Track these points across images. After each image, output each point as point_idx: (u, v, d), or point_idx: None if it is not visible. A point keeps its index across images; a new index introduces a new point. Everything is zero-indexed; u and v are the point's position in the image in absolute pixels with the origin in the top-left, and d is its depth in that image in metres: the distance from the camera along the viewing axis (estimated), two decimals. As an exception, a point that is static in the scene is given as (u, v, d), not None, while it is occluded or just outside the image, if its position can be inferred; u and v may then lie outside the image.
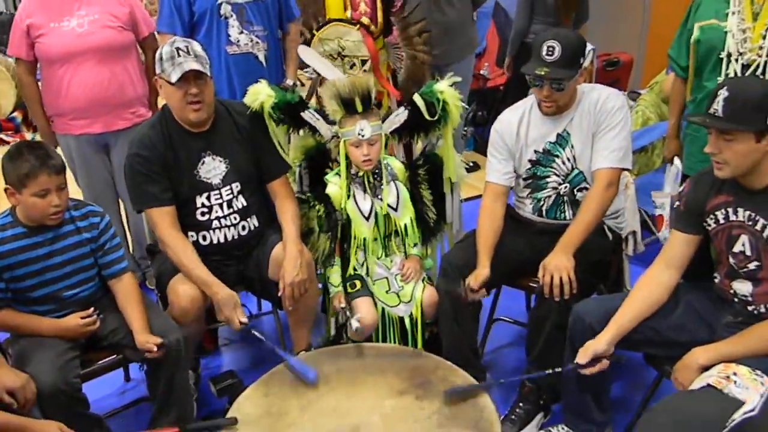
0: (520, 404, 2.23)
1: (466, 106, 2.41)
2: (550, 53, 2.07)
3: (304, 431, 1.60)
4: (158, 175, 2.16)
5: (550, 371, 1.84)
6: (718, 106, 1.66)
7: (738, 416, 0.59)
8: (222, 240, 2.28)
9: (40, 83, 2.87)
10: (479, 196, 2.41)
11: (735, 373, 1.56)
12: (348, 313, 2.23)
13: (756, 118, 1.63)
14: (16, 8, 6.32)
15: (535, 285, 2.16)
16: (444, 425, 1.60)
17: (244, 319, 2.06)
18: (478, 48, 4.86)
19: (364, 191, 2.33)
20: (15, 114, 5.48)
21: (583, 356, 1.82)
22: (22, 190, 1.87)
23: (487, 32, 5.06)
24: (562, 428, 2.17)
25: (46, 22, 2.66)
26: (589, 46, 4.35)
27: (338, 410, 1.68)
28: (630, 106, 3.83)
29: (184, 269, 2.13)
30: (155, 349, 1.94)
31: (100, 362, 2.06)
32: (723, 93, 1.66)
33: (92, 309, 2.03)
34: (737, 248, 1.79)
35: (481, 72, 4.94)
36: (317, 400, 1.72)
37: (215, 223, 2.26)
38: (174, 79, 2.06)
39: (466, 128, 4.77)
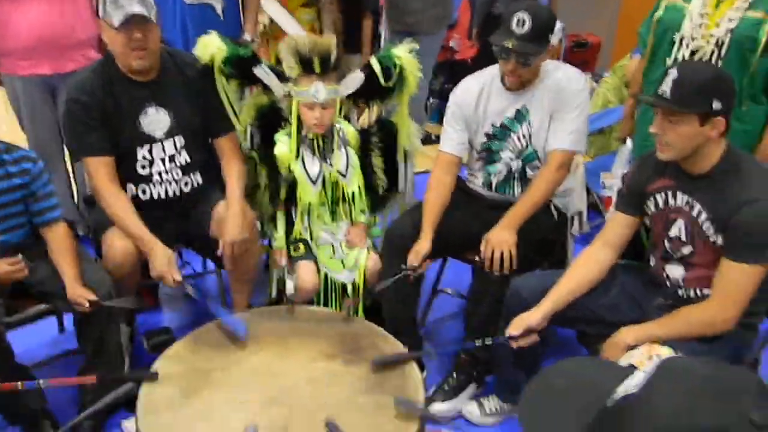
0: (454, 375, 2.25)
1: (421, 76, 2.36)
2: (520, 25, 2.02)
3: (226, 389, 1.58)
4: (97, 123, 2.08)
5: (481, 342, 1.85)
6: (666, 87, 1.66)
7: (620, 391, 0.58)
8: (162, 195, 2.22)
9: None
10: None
11: (657, 355, 1.59)
12: (287, 272, 2.21)
13: (701, 101, 1.63)
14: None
15: (477, 258, 2.16)
16: (369, 391, 1.59)
17: (178, 277, 2.02)
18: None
19: (314, 154, 2.29)
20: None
21: (515, 328, 1.82)
22: None
23: (459, 4, 5.00)
24: (493, 399, 2.20)
25: None
26: (558, 24, 4.34)
27: (264, 371, 1.66)
28: (592, 88, 3.85)
29: (119, 223, 2.07)
30: (87, 304, 1.89)
31: (30, 310, 2.00)
32: (672, 74, 1.66)
33: (20, 255, 1.96)
34: (673, 232, 1.80)
35: (450, 44, 4.89)
36: (245, 359, 1.70)
37: (156, 177, 2.20)
38: (116, 23, 1.98)
39: (431, 100, 4.73)
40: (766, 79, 2.15)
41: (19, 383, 1.69)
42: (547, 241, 2.29)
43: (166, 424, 1.50)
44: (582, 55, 4.81)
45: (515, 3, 2.14)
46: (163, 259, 2.02)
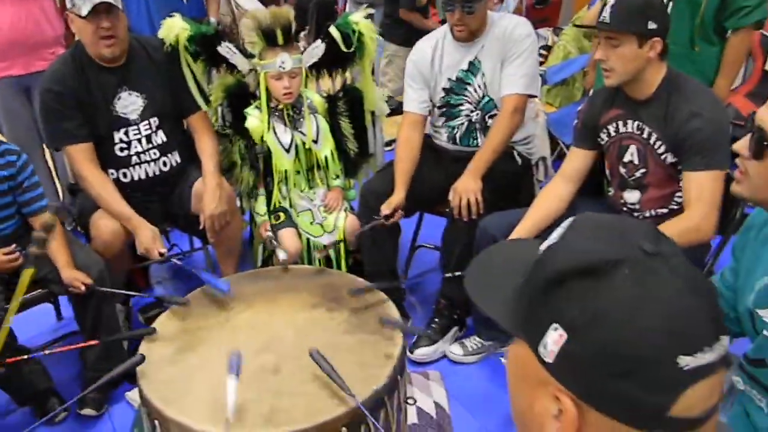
0: (436, 320, 2.37)
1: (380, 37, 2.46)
2: None
3: (218, 343, 1.68)
4: (72, 110, 2.17)
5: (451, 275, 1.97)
6: (606, 13, 1.77)
7: (543, 246, 0.69)
8: (143, 176, 2.31)
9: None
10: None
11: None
12: (274, 242, 2.31)
13: (637, 21, 1.74)
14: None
15: (447, 209, 2.27)
16: (350, 332, 1.70)
17: (163, 250, 2.12)
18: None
19: (284, 124, 2.39)
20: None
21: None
22: None
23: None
24: (474, 338, 2.32)
25: None
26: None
27: (253, 325, 1.76)
28: (554, 42, 3.95)
29: (104, 204, 2.17)
30: (82, 288, 1.99)
31: (26, 295, 2.09)
32: (610, 1, 1.77)
33: (14, 245, 2.05)
34: (627, 158, 1.92)
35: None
36: (234, 317, 1.80)
37: (135, 159, 2.29)
38: (84, 12, 2.06)
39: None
40: (715, 20, 2.25)
41: (26, 355, 1.79)
42: (513, 186, 2.41)
43: (166, 379, 1.60)
44: (543, 12, 4.88)
45: None
46: (147, 235, 2.12)
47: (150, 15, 2.86)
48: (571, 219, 0.68)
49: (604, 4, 1.80)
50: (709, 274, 1.92)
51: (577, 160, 2.04)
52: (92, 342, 1.88)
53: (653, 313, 0.58)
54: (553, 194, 2.03)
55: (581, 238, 0.65)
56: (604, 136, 1.96)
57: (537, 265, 0.66)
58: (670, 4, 2.21)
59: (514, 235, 1.95)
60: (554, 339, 0.61)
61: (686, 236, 1.72)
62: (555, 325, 0.61)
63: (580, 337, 0.60)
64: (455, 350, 2.30)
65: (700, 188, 1.74)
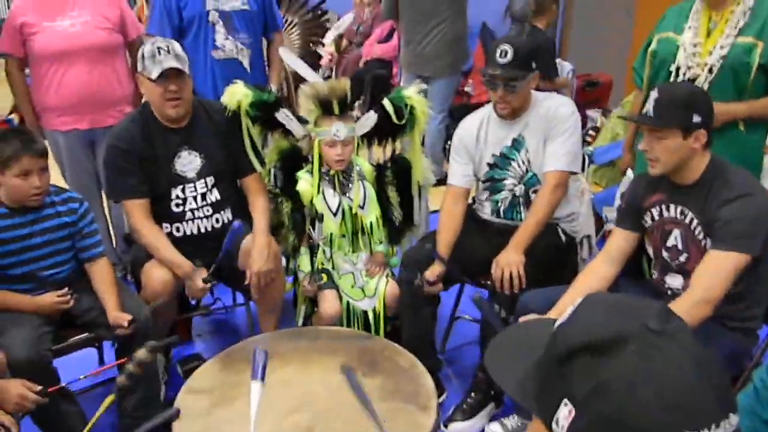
0: (472, 394, 2.34)
1: (431, 113, 2.55)
2: (502, 56, 2.21)
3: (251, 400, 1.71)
4: (135, 167, 2.29)
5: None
6: (649, 106, 1.80)
7: (556, 324, 0.72)
8: (195, 232, 2.40)
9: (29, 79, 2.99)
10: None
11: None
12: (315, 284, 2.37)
13: (681, 115, 1.76)
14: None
15: (489, 281, 2.28)
16: (384, 398, 1.70)
17: (206, 276, 2.21)
18: (465, 66, 5.05)
19: (334, 188, 2.47)
20: (12, 116, 5.63)
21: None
22: (6, 172, 2.00)
23: (474, 52, 5.25)
24: (514, 418, 2.28)
25: (39, 20, 2.78)
26: (568, 66, 4.54)
27: (288, 383, 1.79)
28: (602, 123, 4.00)
29: (155, 251, 2.26)
30: (126, 324, 2.05)
31: (73, 339, 2.17)
32: (654, 94, 1.80)
33: (67, 288, 2.14)
34: (670, 242, 1.91)
35: (466, 89, 5.11)
36: (271, 374, 1.82)
37: (189, 215, 2.38)
38: (154, 75, 2.20)
39: (448, 142, 4.92)
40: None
41: (64, 384, 1.89)
42: (556, 263, 2.40)
43: (200, 429, 1.63)
44: (594, 93, 4.97)
45: (500, 38, 2.34)
46: (195, 274, 2.21)
47: (215, 81, 3.02)
48: (582, 297, 0.71)
49: (648, 96, 1.83)
50: (756, 365, 1.86)
51: (620, 241, 2.03)
52: (121, 360, 1.95)
53: (657, 389, 0.60)
54: (595, 274, 2.02)
55: (591, 316, 0.67)
56: (647, 219, 1.97)
57: (550, 342, 0.69)
58: (707, 85, 2.22)
59: (551, 314, 1.93)
60: (564, 415, 0.63)
61: (693, 312, 1.67)
62: (565, 400, 0.63)
63: (586, 412, 0.61)
64: (495, 429, 2.26)
65: (710, 264, 1.73)
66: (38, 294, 2.12)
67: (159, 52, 2.22)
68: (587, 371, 0.63)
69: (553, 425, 0.64)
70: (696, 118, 1.75)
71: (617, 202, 2.99)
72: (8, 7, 5.64)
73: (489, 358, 0.77)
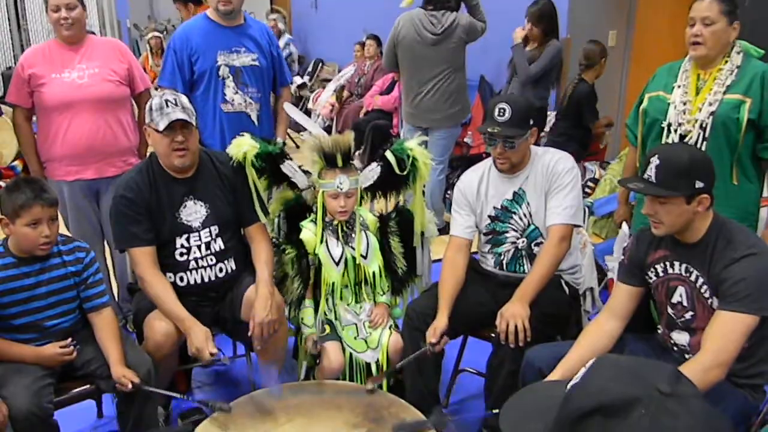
0: (477, 449, 2.31)
1: (433, 164, 2.59)
2: (501, 114, 2.27)
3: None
4: (142, 217, 2.30)
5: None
6: (651, 172, 1.82)
7: (569, 385, 0.73)
8: (199, 281, 2.40)
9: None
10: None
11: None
12: (318, 346, 2.34)
13: (684, 183, 1.78)
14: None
15: (493, 334, 2.27)
16: (391, 456, 1.68)
17: (214, 351, 2.15)
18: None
19: (337, 238, 2.48)
20: (15, 163, 5.68)
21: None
22: (16, 221, 2.01)
23: (473, 104, 5.34)
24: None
25: (47, 72, 2.83)
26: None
27: (293, 439, 1.76)
28: (600, 175, 4.05)
29: (160, 304, 2.25)
30: (129, 385, 2.03)
31: (74, 391, 2.15)
32: (655, 161, 1.82)
33: (70, 339, 2.13)
34: (675, 299, 1.92)
35: (465, 140, 5.18)
36: (274, 430, 1.80)
37: (192, 264, 2.38)
38: (162, 127, 2.24)
39: (448, 192, 4.96)
40: (752, 156, 2.32)
41: None
42: (560, 316, 2.40)
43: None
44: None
45: (497, 97, 2.39)
46: (200, 336, 2.17)
47: (223, 133, 3.05)
48: (594, 359, 0.73)
49: (648, 161, 1.85)
50: (763, 423, 1.85)
51: (624, 297, 2.03)
52: None
53: None
54: (600, 331, 2.01)
55: (602, 378, 0.69)
56: (651, 275, 1.98)
57: (563, 404, 0.70)
58: (705, 143, 2.27)
59: (557, 371, 1.91)
60: None
61: (705, 378, 1.66)
62: None
63: None
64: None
65: (720, 326, 1.73)
66: (41, 344, 2.11)
67: (167, 104, 2.26)
68: None
69: None
70: (698, 184, 1.77)
71: (617, 252, 3.00)
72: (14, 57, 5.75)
73: (504, 420, 0.78)
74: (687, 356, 1.91)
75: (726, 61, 2.30)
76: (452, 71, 4.12)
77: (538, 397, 0.80)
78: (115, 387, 2.06)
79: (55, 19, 2.82)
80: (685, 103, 2.32)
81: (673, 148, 2.07)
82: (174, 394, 2.12)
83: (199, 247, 2.39)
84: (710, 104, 2.27)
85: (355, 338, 2.46)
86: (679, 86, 2.37)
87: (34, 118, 3.01)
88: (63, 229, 3.07)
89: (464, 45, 4.11)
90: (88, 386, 2.17)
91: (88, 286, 2.19)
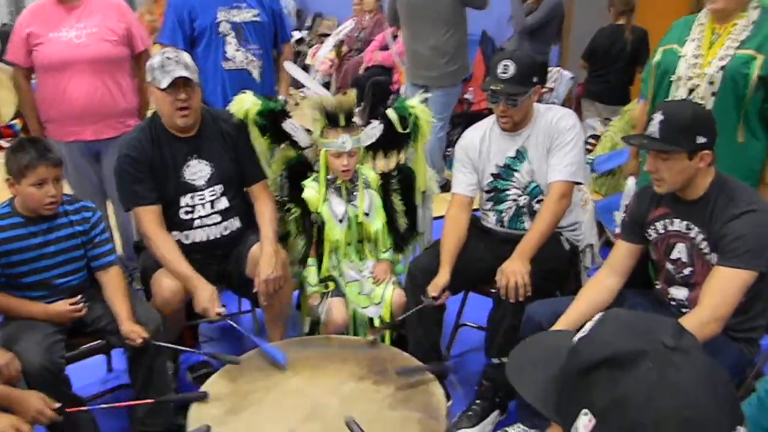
0: (477, 401, 2.37)
1: (434, 122, 2.59)
2: (504, 71, 2.25)
3: (266, 408, 1.74)
4: (146, 176, 2.32)
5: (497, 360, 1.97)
6: (654, 128, 1.83)
7: (576, 337, 0.76)
8: (204, 239, 2.43)
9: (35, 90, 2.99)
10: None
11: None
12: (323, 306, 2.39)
13: (687, 139, 1.79)
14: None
15: (493, 290, 2.31)
16: (396, 407, 1.74)
17: (221, 310, 2.20)
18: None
19: (340, 197, 2.50)
20: (15, 121, 5.66)
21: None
22: (22, 181, 2.03)
23: (474, 60, 5.29)
24: (518, 427, 2.31)
25: (45, 31, 2.79)
26: (568, 75, 4.59)
27: (300, 392, 1.82)
28: (602, 132, 4.04)
29: (167, 264, 2.28)
30: (139, 340, 2.07)
31: (84, 346, 2.20)
32: (658, 116, 1.83)
33: (80, 296, 2.17)
34: (674, 255, 1.95)
35: (466, 96, 5.15)
36: (282, 382, 1.86)
37: (197, 222, 2.41)
38: (164, 85, 2.23)
39: (449, 149, 4.96)
40: (760, 114, 2.31)
41: (84, 407, 1.88)
42: (560, 272, 2.44)
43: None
44: (593, 102, 5.01)
45: (500, 52, 2.37)
46: (206, 295, 2.21)
47: (225, 91, 3.03)
48: (601, 314, 0.76)
49: (651, 118, 1.86)
50: (757, 375, 1.90)
51: (624, 254, 2.06)
52: (148, 401, 1.97)
53: (673, 403, 0.65)
54: (600, 286, 2.05)
55: (610, 332, 0.72)
56: (651, 232, 2.00)
57: (570, 354, 0.74)
58: (713, 98, 2.26)
59: (558, 325, 1.96)
60: (584, 424, 0.68)
61: (702, 331, 1.69)
62: (585, 410, 0.68)
63: (606, 422, 0.66)
64: (499, 437, 2.29)
65: (719, 281, 1.76)
66: (50, 302, 2.14)
67: (168, 62, 2.25)
68: (607, 384, 0.68)
69: None
70: (700, 139, 1.78)
71: (623, 208, 3.02)
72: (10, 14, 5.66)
73: (510, 368, 0.81)
74: (684, 311, 1.95)
75: (743, 16, 2.26)
76: (449, 28, 4.04)
77: (544, 347, 0.83)
78: (126, 342, 2.11)
79: None
80: (696, 57, 2.29)
81: (677, 105, 2.07)
82: (185, 349, 2.18)
83: (203, 205, 2.41)
84: (721, 59, 2.23)
85: (358, 294, 2.50)
86: (692, 40, 2.33)
87: (35, 78, 2.99)
88: (67, 190, 3.12)
89: (460, 3, 4.03)
90: (98, 341, 2.22)
91: (95, 245, 2.22)
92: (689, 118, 1.80)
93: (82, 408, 1.90)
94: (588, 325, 0.75)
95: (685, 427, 0.64)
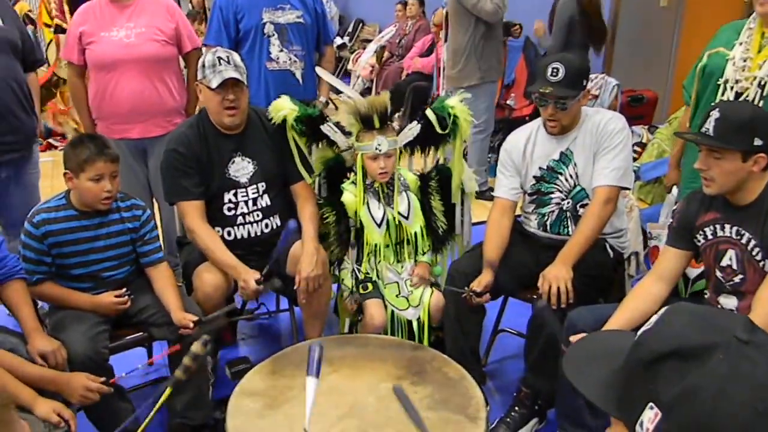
0: (516, 408, 2.34)
1: (474, 121, 2.57)
2: (554, 74, 2.22)
3: (303, 402, 1.73)
4: (192, 171, 2.36)
5: None
6: (709, 125, 1.78)
7: (639, 332, 0.75)
8: (246, 235, 2.45)
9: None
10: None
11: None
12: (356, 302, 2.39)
13: (743, 138, 1.74)
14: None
15: (535, 296, 2.27)
16: (433, 408, 1.72)
17: (258, 276, 2.24)
18: (506, 80, 5.07)
19: (378, 200, 2.50)
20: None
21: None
22: (80, 175, 2.08)
23: (516, 65, 5.26)
24: (557, 435, 2.27)
25: (96, 30, 2.85)
26: (613, 82, 4.52)
27: (338, 390, 1.81)
28: (648, 139, 3.96)
29: (210, 253, 2.31)
30: (191, 326, 2.10)
31: (128, 337, 2.24)
32: (715, 114, 1.78)
33: (125, 289, 2.21)
34: (724, 262, 1.89)
35: (508, 102, 5.12)
36: (320, 379, 1.85)
37: (240, 219, 2.44)
38: (214, 85, 2.27)
39: (490, 155, 4.93)
40: None
41: (123, 374, 2.01)
42: (603, 279, 2.39)
43: (253, 430, 1.67)
44: (639, 109, 4.93)
45: (550, 56, 2.34)
46: (249, 274, 2.25)
47: (268, 91, 3.06)
48: (667, 306, 0.73)
49: (707, 114, 1.81)
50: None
51: (671, 260, 2.01)
52: (174, 348, 2.08)
53: (747, 395, 0.62)
54: (646, 293, 2.00)
55: (678, 324, 0.70)
56: (700, 238, 1.95)
57: (634, 347, 0.71)
58: (762, 102, 2.19)
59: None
60: (650, 417, 0.65)
61: None
62: (651, 404, 0.65)
63: (674, 415, 0.64)
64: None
65: None
66: (97, 293, 2.19)
67: (219, 62, 2.28)
68: (675, 376, 0.65)
69: (637, 428, 0.66)
70: (757, 141, 1.73)
71: (662, 219, 2.96)
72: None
73: (567, 366, 0.80)
74: (734, 321, 1.88)
75: None
76: (455, 29, 4.27)
77: (603, 344, 0.81)
78: (179, 332, 2.13)
79: None
80: (745, 60, 2.24)
81: (736, 104, 2.02)
82: (230, 309, 2.25)
83: (246, 202, 2.44)
84: None
85: (396, 296, 2.49)
86: (741, 43, 2.28)
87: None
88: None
89: (461, 5, 4.17)
90: (140, 333, 2.26)
91: (145, 242, 2.27)
92: (747, 118, 1.75)
93: (122, 376, 1.96)
94: (653, 318, 0.73)
95: (757, 421, 0.61)
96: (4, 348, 1.88)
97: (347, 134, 2.53)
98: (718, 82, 2.30)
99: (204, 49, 3.08)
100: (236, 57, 2.34)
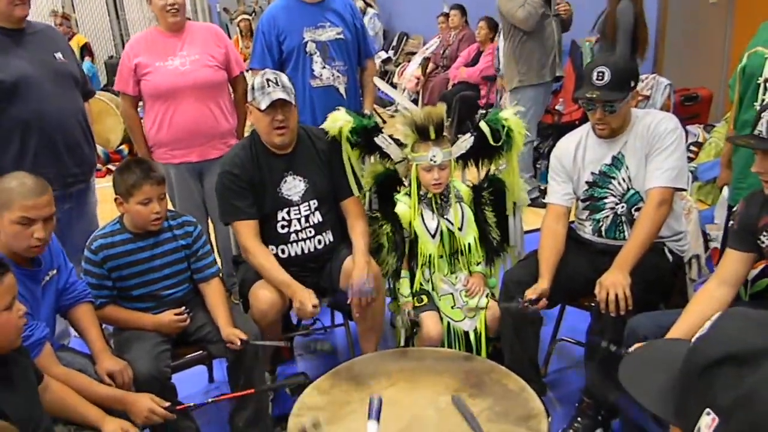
0: (578, 419, 2.29)
1: (528, 134, 2.55)
2: (600, 78, 2.19)
3: (364, 418, 1.74)
4: (245, 191, 2.41)
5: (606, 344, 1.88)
6: (762, 127, 1.72)
7: (695, 337, 0.73)
8: (299, 252, 2.49)
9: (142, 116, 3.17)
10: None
11: None
12: (413, 317, 2.38)
13: None
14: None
15: (592, 303, 2.23)
16: (494, 421, 1.70)
17: (316, 301, 2.27)
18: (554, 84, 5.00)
19: (432, 211, 2.50)
20: (122, 147, 6.04)
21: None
22: (129, 199, 2.16)
23: (564, 69, 5.19)
24: (623, 446, 2.21)
25: (152, 61, 2.94)
26: (665, 81, 4.41)
27: (397, 403, 1.81)
28: (705, 139, 3.85)
29: (265, 272, 2.35)
30: (239, 342, 2.15)
31: (188, 356, 2.29)
32: (767, 116, 1.72)
33: (184, 307, 2.27)
34: (790, 265, 1.82)
35: (557, 107, 5.05)
36: (378, 392, 1.86)
37: (293, 237, 2.48)
38: (263, 106, 2.32)
39: (540, 162, 4.87)
40: None
41: (194, 405, 2.02)
42: (663, 284, 2.33)
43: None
44: (693, 108, 4.80)
45: (596, 60, 2.31)
46: (305, 293, 2.28)
47: (313, 108, 3.12)
48: (721, 312, 0.72)
49: (759, 116, 1.75)
50: None
51: (734, 263, 1.94)
52: (249, 391, 2.09)
53: None
54: (710, 298, 1.93)
55: (732, 329, 0.69)
56: (764, 239, 1.88)
57: (689, 353, 0.70)
58: None
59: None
60: (707, 423, 0.64)
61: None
62: (707, 410, 0.64)
63: (731, 420, 0.62)
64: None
65: None
66: (157, 312, 2.26)
67: (268, 84, 2.34)
68: (731, 381, 0.65)
69: None
70: None
71: (717, 218, 2.86)
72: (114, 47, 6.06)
73: (623, 374, 0.79)
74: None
75: None
76: (503, 35, 4.49)
77: (660, 352, 0.80)
78: (226, 346, 2.18)
79: (161, 5, 2.92)
80: None
81: None
82: (280, 344, 2.28)
83: (299, 220, 2.47)
84: None
85: (452, 308, 2.48)
86: None
87: (140, 104, 3.17)
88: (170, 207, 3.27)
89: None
90: (200, 352, 2.30)
91: (198, 258, 2.32)
92: None
93: (189, 405, 1.99)
94: (707, 324, 0.71)
95: None
96: (73, 368, 1.95)
97: (401, 146, 2.54)
98: (758, 81, 2.23)
99: (250, 73, 3.16)
100: (284, 78, 2.39)
